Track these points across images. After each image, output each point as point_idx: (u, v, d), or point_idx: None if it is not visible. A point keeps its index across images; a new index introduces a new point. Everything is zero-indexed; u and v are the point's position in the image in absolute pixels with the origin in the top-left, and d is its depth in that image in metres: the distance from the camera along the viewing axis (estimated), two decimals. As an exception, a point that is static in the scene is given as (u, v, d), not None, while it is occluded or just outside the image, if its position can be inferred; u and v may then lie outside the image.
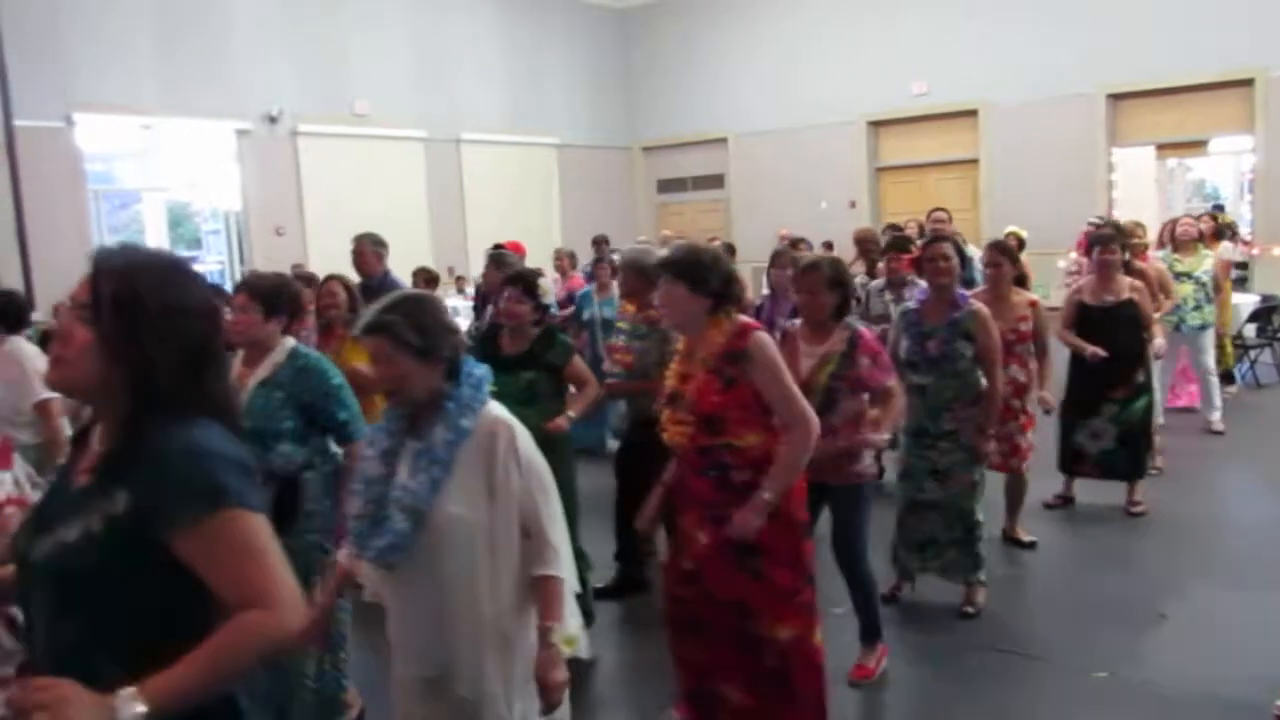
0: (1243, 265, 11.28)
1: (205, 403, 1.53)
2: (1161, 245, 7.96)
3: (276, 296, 3.34)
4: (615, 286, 7.14)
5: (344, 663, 3.45)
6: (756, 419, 2.92)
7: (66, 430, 4.44)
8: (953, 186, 14.55)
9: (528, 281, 4.14)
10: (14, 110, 10.20)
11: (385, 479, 2.28)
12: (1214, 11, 12.31)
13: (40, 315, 7.73)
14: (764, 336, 2.96)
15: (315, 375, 3.29)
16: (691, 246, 3.07)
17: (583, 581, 3.81)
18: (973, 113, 14.47)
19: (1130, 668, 3.81)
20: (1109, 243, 5.54)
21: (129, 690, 1.31)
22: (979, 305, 4.32)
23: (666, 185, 18.01)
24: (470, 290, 12.51)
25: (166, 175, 12.75)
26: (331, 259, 7.37)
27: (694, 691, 3.15)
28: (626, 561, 4.79)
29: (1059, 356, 5.23)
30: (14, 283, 9.50)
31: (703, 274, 2.92)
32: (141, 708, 1.30)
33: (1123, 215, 10.83)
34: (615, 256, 8.92)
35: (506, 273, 4.61)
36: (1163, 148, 13.68)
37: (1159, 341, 5.60)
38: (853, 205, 15.33)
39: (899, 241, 6.00)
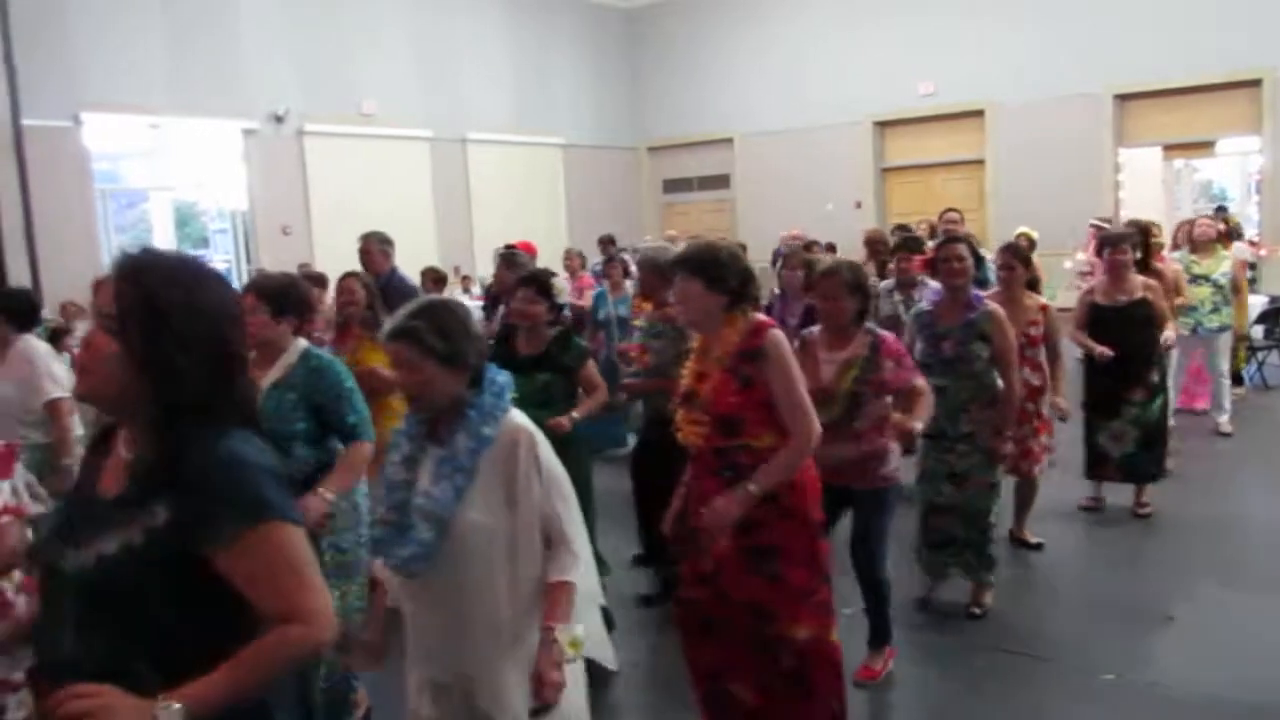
0: (1251, 266, 11.25)
1: (235, 410, 1.53)
2: (1176, 247, 7.88)
3: (284, 297, 3.32)
4: (629, 285, 7.17)
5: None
6: (773, 419, 2.89)
7: (77, 430, 4.45)
8: (959, 187, 14.53)
9: (541, 282, 4.13)
10: (22, 109, 10.22)
11: (408, 485, 2.28)
12: (1222, 12, 12.28)
13: (48, 313, 7.76)
14: (779, 335, 2.93)
15: (328, 376, 3.28)
16: (708, 243, 3.04)
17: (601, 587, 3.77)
18: (979, 113, 14.45)
19: (1137, 669, 3.80)
20: (1120, 243, 5.53)
21: (169, 697, 1.32)
22: (994, 306, 4.30)
23: (672, 185, 18.00)
24: (476, 290, 12.54)
25: (173, 175, 12.76)
26: (338, 258, 7.35)
27: (707, 693, 3.14)
28: (662, 565, 4.55)
29: (1070, 359, 5.22)
30: (22, 281, 9.56)
31: (719, 271, 2.89)
32: (181, 714, 1.31)
33: (1129, 216, 10.79)
34: (626, 256, 8.96)
35: (519, 273, 4.60)
36: (1169, 148, 13.65)
37: (1169, 333, 5.59)
38: (858, 205, 15.32)
39: (910, 242, 5.97)
